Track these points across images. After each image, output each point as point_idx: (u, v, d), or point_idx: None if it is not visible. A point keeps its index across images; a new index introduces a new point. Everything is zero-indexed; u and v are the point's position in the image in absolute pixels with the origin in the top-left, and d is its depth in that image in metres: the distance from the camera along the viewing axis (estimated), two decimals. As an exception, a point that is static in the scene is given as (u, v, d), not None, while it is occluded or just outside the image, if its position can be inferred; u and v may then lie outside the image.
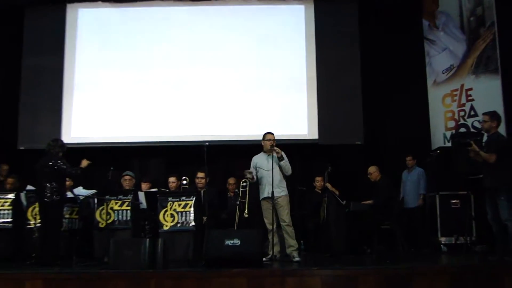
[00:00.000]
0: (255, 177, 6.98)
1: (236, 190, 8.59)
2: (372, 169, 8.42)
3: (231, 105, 9.56)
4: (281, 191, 6.86)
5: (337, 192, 8.19)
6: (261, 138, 7.06)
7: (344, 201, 8.01)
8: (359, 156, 9.32)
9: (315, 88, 9.51)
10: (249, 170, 6.96)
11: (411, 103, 9.47)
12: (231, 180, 8.82)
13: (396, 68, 9.50)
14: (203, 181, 7.90)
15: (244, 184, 8.20)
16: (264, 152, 7.03)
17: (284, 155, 6.92)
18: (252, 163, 7.08)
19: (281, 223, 6.83)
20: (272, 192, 6.75)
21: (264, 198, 6.90)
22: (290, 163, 7.08)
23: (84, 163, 7.03)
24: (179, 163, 9.35)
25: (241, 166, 8.31)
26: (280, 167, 6.90)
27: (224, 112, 9.54)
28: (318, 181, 8.66)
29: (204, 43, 9.62)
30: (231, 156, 9.53)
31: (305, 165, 9.38)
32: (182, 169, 8.89)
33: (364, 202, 8.21)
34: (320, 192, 8.56)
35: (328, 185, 8.18)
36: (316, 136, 9.50)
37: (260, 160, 7.01)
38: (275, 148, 6.82)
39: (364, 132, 9.43)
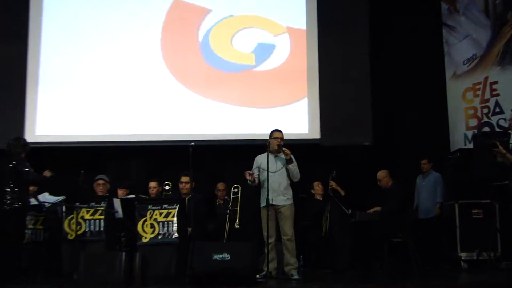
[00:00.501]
0: (257, 179, 6.98)
1: (226, 197, 8.62)
2: (382, 174, 8.47)
3: (220, 99, 9.62)
4: (286, 200, 6.92)
5: (342, 193, 8.30)
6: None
7: (350, 210, 8.09)
8: (367, 159, 9.38)
9: (316, 81, 9.58)
10: (250, 171, 6.96)
11: (427, 98, 9.54)
12: (220, 186, 8.83)
13: (410, 59, 9.58)
14: (188, 186, 7.93)
15: (236, 190, 8.26)
16: (270, 152, 7.04)
17: (293, 158, 6.99)
18: (255, 163, 7.10)
19: (282, 236, 6.88)
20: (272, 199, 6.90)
21: (265, 206, 6.93)
22: None
23: (47, 173, 7.02)
24: (161, 166, 9.40)
25: (232, 170, 8.74)
26: (287, 171, 6.98)
27: (213, 107, 9.59)
28: (318, 186, 8.74)
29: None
30: (220, 158, 9.56)
31: (306, 169, 8.78)
32: (164, 173, 8.95)
33: (372, 209, 8.28)
34: (321, 199, 8.64)
35: (333, 184, 8.30)
36: (318, 136, 9.54)
37: (265, 161, 6.99)
38: (284, 148, 6.88)
39: (373, 131, 9.51)
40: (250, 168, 7.17)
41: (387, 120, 9.69)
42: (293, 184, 7.14)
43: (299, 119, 9.58)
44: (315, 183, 8.70)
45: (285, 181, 6.94)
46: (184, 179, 8.00)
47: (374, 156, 9.39)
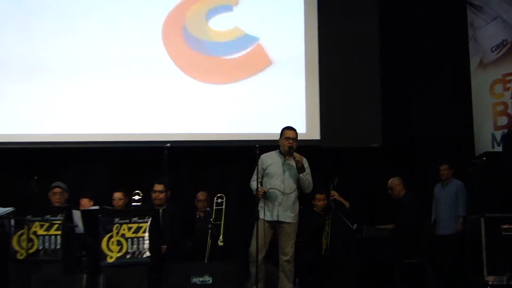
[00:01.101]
0: (265, 188, 6.98)
1: (208, 208, 8.65)
2: (394, 182, 8.53)
3: (201, 94, 9.63)
4: (293, 217, 6.98)
5: (346, 205, 8.38)
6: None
7: (355, 225, 8.16)
8: (376, 164, 9.44)
9: (316, 72, 9.65)
10: (262, 188, 6.92)
11: (448, 92, 9.62)
12: (201, 195, 8.85)
13: (427, 45, 9.67)
14: (162, 196, 7.94)
15: (219, 200, 8.28)
16: (281, 153, 7.08)
17: (307, 165, 7.02)
18: (259, 163, 6.99)
19: (281, 256, 6.89)
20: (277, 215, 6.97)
21: (267, 220, 6.97)
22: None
23: None
24: (131, 172, 9.45)
25: (215, 176, 8.86)
26: (299, 180, 7.00)
27: (193, 103, 9.62)
28: (320, 200, 8.77)
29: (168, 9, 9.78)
30: (201, 163, 9.59)
31: None
32: (134, 180, 9.01)
33: (382, 226, 8.33)
34: (321, 213, 8.67)
35: (334, 194, 8.36)
36: (317, 136, 9.60)
37: (273, 163, 7.08)
38: (296, 154, 6.87)
39: (383, 131, 9.56)
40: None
41: (399, 118, 9.75)
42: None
43: (294, 115, 9.55)
44: (318, 196, 8.74)
45: (294, 194, 7.00)
46: (158, 187, 8.00)
47: (384, 161, 9.45)
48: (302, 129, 9.40)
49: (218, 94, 9.69)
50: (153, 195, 8.04)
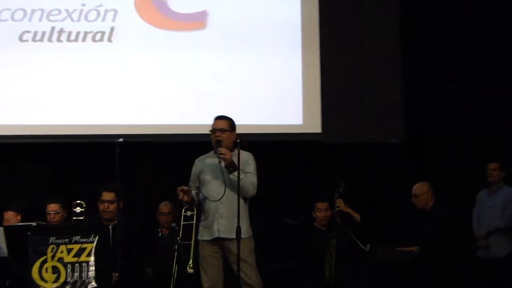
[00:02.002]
0: (195, 198, 7.06)
1: (174, 224, 8.70)
2: (420, 189, 8.54)
3: (165, 74, 9.73)
4: (244, 231, 6.88)
5: (356, 217, 8.56)
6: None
7: (368, 246, 8.18)
8: (396, 165, 9.55)
9: (317, 49, 9.74)
10: (184, 187, 6.98)
11: (492, 74, 9.67)
12: (165, 207, 8.94)
13: (463, 17, 9.81)
14: (112, 207, 7.98)
15: (189, 213, 8.22)
16: (215, 153, 7.10)
17: (247, 161, 7.08)
18: (193, 170, 7.21)
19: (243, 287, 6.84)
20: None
21: (208, 241, 7.01)
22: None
23: None
24: (70, 176, 9.52)
25: (184, 182, 8.22)
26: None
27: (152, 87, 9.70)
28: (321, 210, 8.84)
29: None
30: (164, 164, 9.66)
31: (298, 179, 9.75)
32: (75, 187, 9.12)
33: (403, 247, 8.27)
34: (322, 228, 8.80)
35: (340, 204, 8.54)
36: (317, 129, 9.67)
37: (206, 167, 7.17)
38: (220, 149, 6.91)
39: (404, 123, 9.68)
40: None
41: (427, 106, 9.92)
42: (269, 202, 7.61)
43: (288, 102, 9.76)
44: (319, 204, 8.82)
45: (240, 202, 6.83)
46: (107, 196, 8.03)
47: (405, 161, 9.61)
48: (297, 119, 9.66)
49: (188, 75, 9.81)
50: (101, 207, 8.04)
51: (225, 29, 9.87)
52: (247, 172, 6.95)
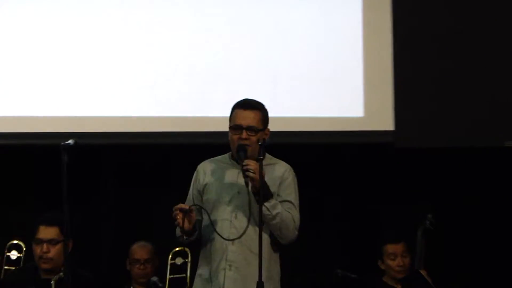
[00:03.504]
0: (197, 228, 5.74)
1: (155, 279, 7.20)
2: None
3: (135, 49, 8.27)
4: (267, 283, 5.58)
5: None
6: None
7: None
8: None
9: (387, 9, 8.25)
10: (183, 205, 5.53)
11: None
12: (139, 250, 7.42)
13: None
14: (54, 252, 6.38)
15: (180, 261, 7.35)
16: (233, 158, 5.84)
17: (286, 180, 5.74)
18: (193, 181, 5.91)
19: None
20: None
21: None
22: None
23: None
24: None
25: (169, 206, 6.40)
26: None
27: (118, 67, 8.22)
28: (395, 257, 7.20)
29: None
30: (141, 178, 8.17)
31: (354, 207, 8.39)
32: (6, 215, 8.07)
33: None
34: (394, 286, 7.42)
35: (423, 273, 7.29)
36: (388, 126, 8.06)
37: (218, 182, 5.87)
38: (248, 162, 5.47)
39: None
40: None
41: None
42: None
43: (338, 86, 8.11)
44: (391, 247, 7.17)
45: (266, 240, 5.58)
46: (46, 232, 6.46)
47: None
48: (357, 111, 8.12)
49: (178, 48, 8.42)
50: (37, 250, 6.45)
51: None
52: (285, 201, 5.58)
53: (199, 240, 5.75)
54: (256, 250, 5.35)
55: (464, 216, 8.05)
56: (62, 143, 5.48)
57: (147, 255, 7.29)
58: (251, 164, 5.36)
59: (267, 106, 5.91)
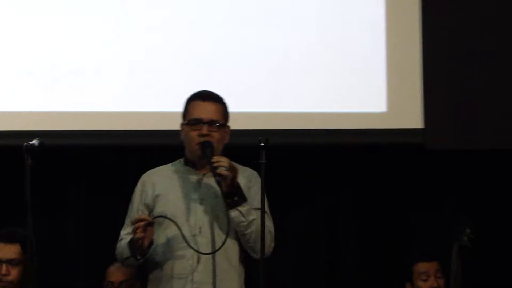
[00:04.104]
0: (145, 242, 5.23)
1: None
2: None
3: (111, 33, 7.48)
4: None
5: None
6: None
7: None
8: None
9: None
10: (145, 216, 5.30)
11: None
12: (116, 272, 6.78)
13: None
14: (15, 274, 5.99)
15: None
16: (188, 164, 5.50)
17: (252, 186, 5.42)
18: (137, 195, 5.46)
19: None
20: None
21: None
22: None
23: None
24: None
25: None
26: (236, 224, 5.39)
27: (89, 56, 7.48)
28: (427, 277, 6.87)
29: None
30: (118, 185, 7.22)
31: (374, 217, 7.77)
32: None
33: None
34: None
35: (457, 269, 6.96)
36: (417, 124, 7.56)
37: (171, 184, 5.54)
38: (218, 158, 5.16)
39: None
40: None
41: None
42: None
43: (362, 80, 7.57)
44: (422, 266, 6.88)
45: (234, 249, 5.34)
46: (5, 251, 6.17)
47: None
48: (379, 106, 7.59)
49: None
50: None
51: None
52: (256, 209, 5.24)
53: (145, 262, 5.34)
54: (231, 264, 5.19)
55: (508, 231, 7.38)
56: (25, 144, 5.08)
57: (122, 277, 6.70)
58: (223, 161, 5.01)
59: (277, 100, 6.25)
